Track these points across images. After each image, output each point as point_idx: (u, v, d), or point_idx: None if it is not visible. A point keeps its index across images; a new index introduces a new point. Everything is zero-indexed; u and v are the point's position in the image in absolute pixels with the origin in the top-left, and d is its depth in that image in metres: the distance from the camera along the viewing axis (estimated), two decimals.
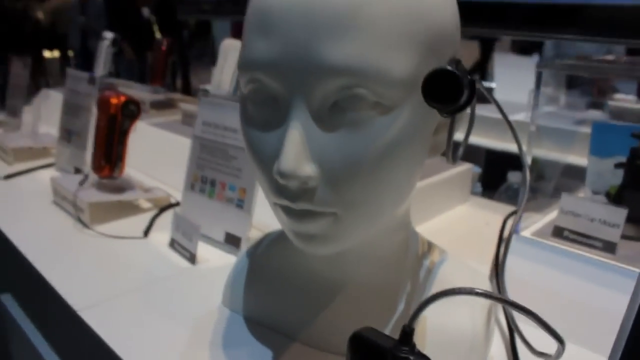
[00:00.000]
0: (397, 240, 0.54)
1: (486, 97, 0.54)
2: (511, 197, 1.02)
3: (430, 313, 0.52)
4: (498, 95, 1.91)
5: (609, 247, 0.63)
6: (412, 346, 0.36)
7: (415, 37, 0.40)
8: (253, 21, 0.42)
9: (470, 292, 0.35)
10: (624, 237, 0.69)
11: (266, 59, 0.40)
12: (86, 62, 3.99)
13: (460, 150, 0.52)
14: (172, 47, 1.38)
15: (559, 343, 0.38)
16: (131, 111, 0.85)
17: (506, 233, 0.73)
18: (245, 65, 0.42)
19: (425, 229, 0.87)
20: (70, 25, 5.00)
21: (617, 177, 0.74)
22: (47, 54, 5.83)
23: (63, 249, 0.78)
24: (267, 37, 0.40)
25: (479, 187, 1.09)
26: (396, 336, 0.49)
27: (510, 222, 0.78)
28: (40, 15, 5.75)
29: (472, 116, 0.53)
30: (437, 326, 0.52)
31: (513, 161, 1.25)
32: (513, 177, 1.04)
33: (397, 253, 0.54)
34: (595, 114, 1.60)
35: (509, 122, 0.59)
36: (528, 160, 0.70)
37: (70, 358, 0.73)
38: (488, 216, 0.91)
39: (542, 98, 1.79)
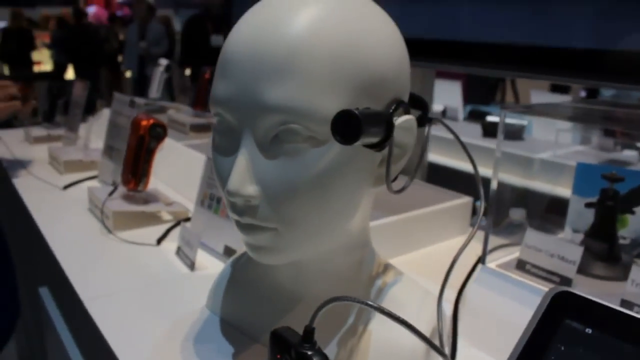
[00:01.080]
0: (352, 259, 0.60)
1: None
2: (511, 232, 1.05)
3: (375, 327, 0.58)
4: (534, 133, 1.92)
5: (565, 283, 0.66)
6: (313, 343, 0.43)
7: (346, 83, 0.47)
8: (218, 65, 0.51)
9: (353, 300, 0.41)
10: (590, 275, 0.72)
11: (223, 97, 0.49)
12: (143, 88, 4.19)
13: (408, 182, 0.58)
14: None
15: (442, 356, 0.43)
16: (158, 133, 0.96)
17: (492, 265, 0.78)
18: (211, 100, 0.51)
19: (417, 255, 0.93)
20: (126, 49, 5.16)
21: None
22: (127, 73, 6.21)
23: (86, 249, 0.89)
24: (225, 79, 0.49)
25: (484, 220, 1.12)
26: (349, 346, 0.56)
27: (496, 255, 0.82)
28: (122, 37, 6.20)
29: (424, 153, 0.60)
30: (380, 340, 0.58)
31: (535, 198, 1.27)
32: (514, 213, 1.07)
33: (351, 271, 0.60)
34: (631, 155, 1.59)
35: (469, 155, 0.65)
36: (494, 185, 0.74)
37: (83, 341, 0.83)
38: (480, 248, 0.95)
39: (575, 137, 1.79)
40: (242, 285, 0.67)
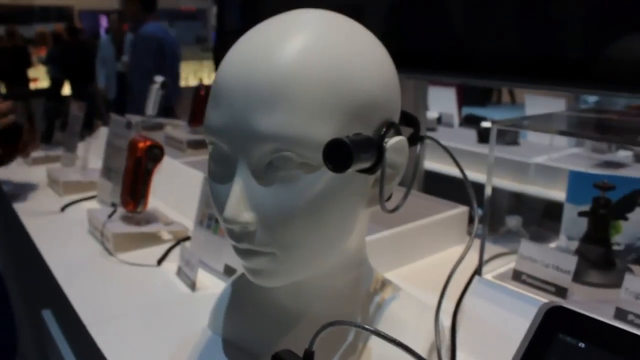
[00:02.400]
0: (350, 277, 0.61)
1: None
2: (508, 240, 1.06)
3: (375, 345, 0.59)
4: (529, 137, 1.93)
5: (560, 292, 0.67)
6: None
7: (336, 109, 0.48)
8: (211, 94, 0.52)
9: (350, 324, 0.42)
10: (586, 283, 0.73)
11: (217, 126, 0.50)
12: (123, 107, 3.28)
13: (401, 201, 0.59)
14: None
15: None
16: (155, 154, 0.97)
17: (489, 276, 0.79)
18: (205, 129, 0.52)
19: (415, 267, 0.93)
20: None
21: None
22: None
23: (87, 272, 0.90)
24: (218, 108, 0.50)
25: (481, 229, 1.13)
26: None
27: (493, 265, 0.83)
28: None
29: (416, 171, 0.61)
30: (379, 357, 0.58)
31: (531, 205, 1.28)
32: (510, 221, 1.08)
33: (350, 289, 0.61)
34: (624, 156, 1.60)
35: (461, 169, 0.66)
36: (488, 191, 0.75)
37: None
38: (475, 257, 0.96)
39: (570, 140, 1.80)
40: (243, 304, 0.68)
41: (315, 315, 0.61)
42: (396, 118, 0.56)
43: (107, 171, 1.20)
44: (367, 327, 0.43)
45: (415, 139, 0.60)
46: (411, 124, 0.61)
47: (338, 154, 0.44)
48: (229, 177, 0.51)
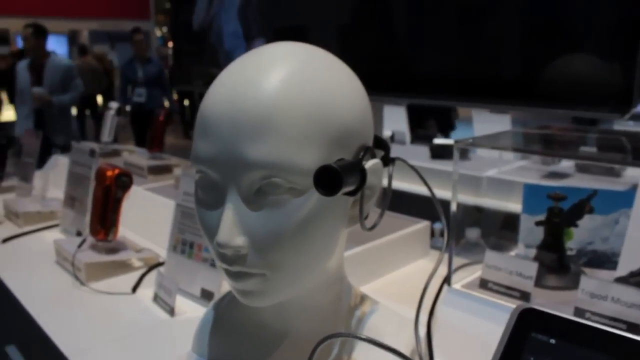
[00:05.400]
0: (332, 293, 0.64)
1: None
2: (469, 251, 1.11)
3: (359, 355, 0.62)
4: (478, 151, 2.03)
5: (524, 297, 0.72)
6: None
7: (320, 137, 0.51)
8: (198, 126, 0.54)
9: (347, 335, 0.45)
10: (545, 287, 0.79)
11: (206, 156, 0.52)
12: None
13: (378, 219, 0.63)
14: (170, 117, 1.52)
15: None
16: (124, 182, 0.98)
17: (457, 286, 0.83)
18: (193, 159, 0.55)
19: (384, 281, 0.97)
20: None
21: None
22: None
23: (61, 304, 0.89)
24: (207, 139, 0.52)
25: (442, 242, 1.19)
26: None
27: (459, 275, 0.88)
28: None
29: (389, 191, 0.65)
30: None
31: (486, 216, 1.35)
32: (470, 233, 1.14)
33: (332, 305, 0.64)
34: (567, 166, 1.71)
35: (430, 190, 0.70)
36: (453, 207, 0.80)
37: None
38: (443, 270, 1.01)
39: (518, 153, 1.89)
40: (227, 326, 0.70)
41: (300, 332, 0.64)
42: (370, 142, 0.60)
43: (71, 200, 1.19)
44: (363, 337, 0.46)
45: (386, 160, 0.64)
46: (382, 147, 0.65)
47: (328, 180, 0.47)
48: (219, 203, 0.53)
